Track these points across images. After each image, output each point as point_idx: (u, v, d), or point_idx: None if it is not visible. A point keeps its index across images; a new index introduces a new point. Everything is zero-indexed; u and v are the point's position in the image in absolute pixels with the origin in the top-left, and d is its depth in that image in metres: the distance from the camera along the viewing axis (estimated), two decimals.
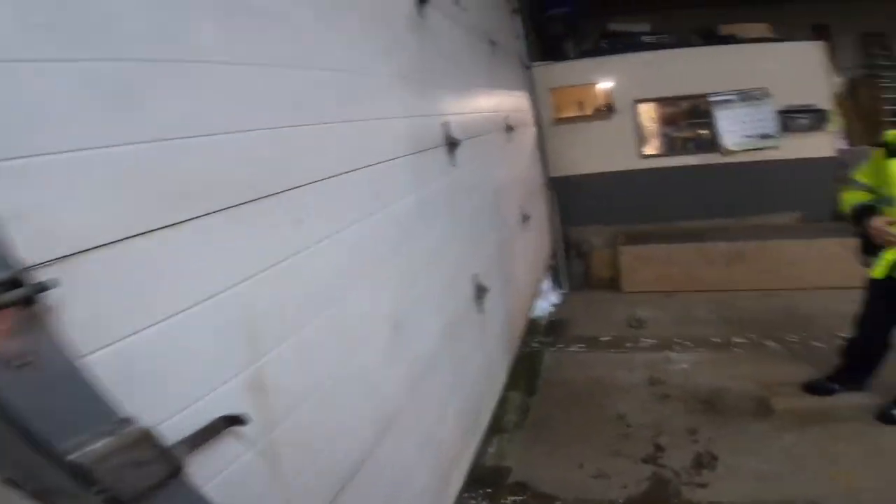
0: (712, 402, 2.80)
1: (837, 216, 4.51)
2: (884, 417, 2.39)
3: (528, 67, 4.35)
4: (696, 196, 4.76)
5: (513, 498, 2.24)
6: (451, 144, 2.18)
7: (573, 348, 3.72)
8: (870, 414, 2.45)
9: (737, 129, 4.59)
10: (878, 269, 2.31)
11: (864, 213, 2.33)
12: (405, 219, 1.71)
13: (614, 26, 5.19)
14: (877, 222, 2.25)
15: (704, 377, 3.07)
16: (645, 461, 2.39)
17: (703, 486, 2.18)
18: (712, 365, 3.21)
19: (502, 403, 2.84)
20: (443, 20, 2.29)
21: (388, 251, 1.57)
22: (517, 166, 3.62)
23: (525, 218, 3.49)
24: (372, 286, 1.46)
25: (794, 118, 4.50)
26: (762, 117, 4.53)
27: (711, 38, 5.02)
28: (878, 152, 2.34)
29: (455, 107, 2.37)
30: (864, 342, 2.57)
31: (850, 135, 5.25)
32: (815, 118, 4.49)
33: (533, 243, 3.86)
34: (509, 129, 3.34)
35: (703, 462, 2.33)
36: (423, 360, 1.78)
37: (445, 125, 2.17)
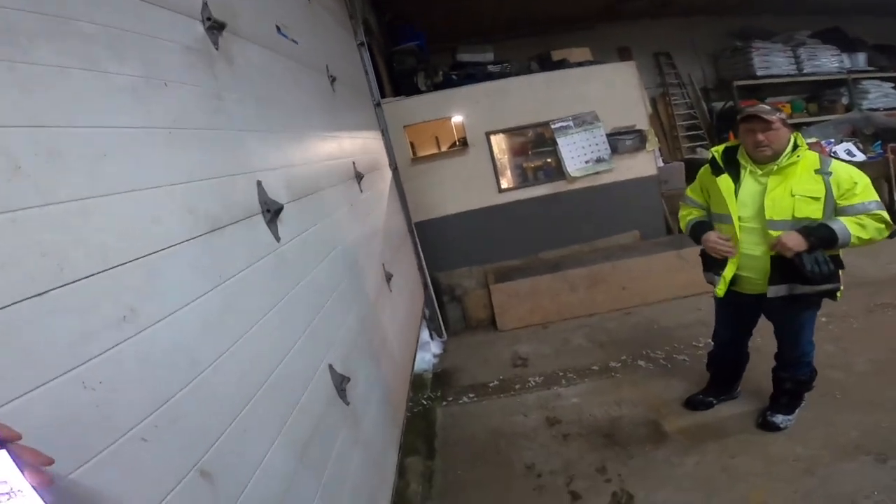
0: (611, 433, 2.75)
1: (669, 230, 5.16)
2: (765, 425, 2.53)
3: (378, 105, 4.12)
4: (552, 225, 4.95)
5: None
6: (271, 210, 1.54)
7: (464, 399, 3.45)
8: (752, 422, 2.59)
9: (577, 156, 4.87)
10: (720, 288, 2.38)
11: (700, 229, 2.41)
12: (190, 337, 1.06)
13: (462, 56, 5.30)
14: (710, 237, 2.35)
15: (596, 408, 3.03)
16: None
17: None
18: (599, 394, 3.21)
19: (402, 474, 2.41)
20: (258, 52, 1.76)
21: (146, 399, 0.90)
22: (373, 219, 3.18)
23: (389, 277, 3.13)
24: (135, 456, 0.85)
25: (621, 139, 4.90)
26: (597, 141, 4.87)
27: (547, 63, 5.38)
28: (705, 169, 2.43)
29: (276, 159, 1.74)
30: (723, 354, 2.74)
31: (662, 152, 6.06)
32: (637, 138, 4.93)
33: (404, 300, 3.48)
34: (359, 176, 2.94)
35: (623, 502, 2.18)
36: None
37: (260, 185, 1.53)
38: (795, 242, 2.09)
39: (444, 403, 3.43)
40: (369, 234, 2.98)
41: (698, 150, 7.08)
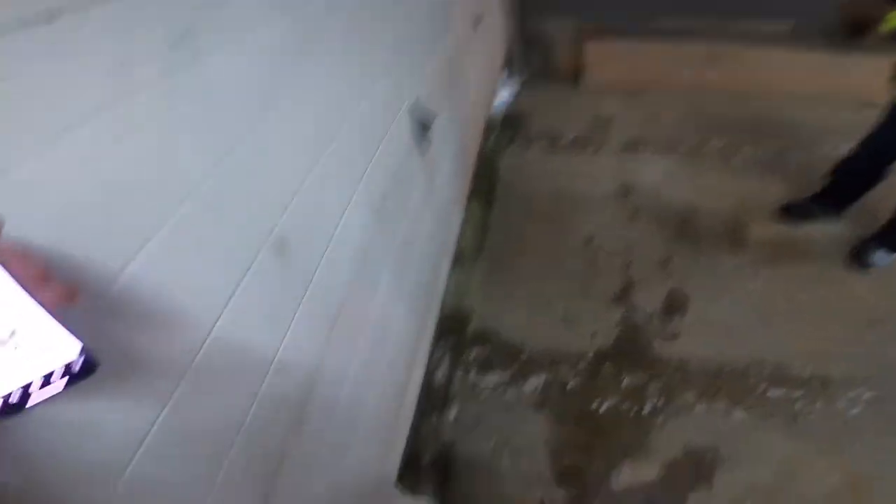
0: (685, 223, 2.52)
1: (831, 31, 3.79)
2: (858, 258, 2.25)
3: None
4: None
5: (477, 350, 1.96)
6: None
7: (533, 150, 3.16)
8: (843, 253, 2.31)
9: None
10: None
11: None
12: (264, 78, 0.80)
13: None
14: None
15: (676, 191, 2.74)
16: (615, 300, 2.15)
17: (674, 337, 2.01)
18: (684, 176, 2.86)
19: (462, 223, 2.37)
20: None
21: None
22: None
23: (478, 19, 2.40)
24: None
25: None
26: None
27: None
28: None
29: None
30: (862, 162, 2.28)
31: None
32: None
33: (487, 44, 2.80)
34: None
35: (675, 305, 2.13)
36: (336, 289, 1.06)
37: None
38: None
39: (511, 148, 3.15)
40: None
41: None
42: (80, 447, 0.50)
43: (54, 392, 0.33)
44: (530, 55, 3.88)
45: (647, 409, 1.76)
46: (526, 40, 3.80)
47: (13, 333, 0.32)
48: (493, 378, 1.86)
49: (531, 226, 2.56)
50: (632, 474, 1.61)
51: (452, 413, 1.76)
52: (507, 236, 2.50)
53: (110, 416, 0.53)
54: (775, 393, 1.80)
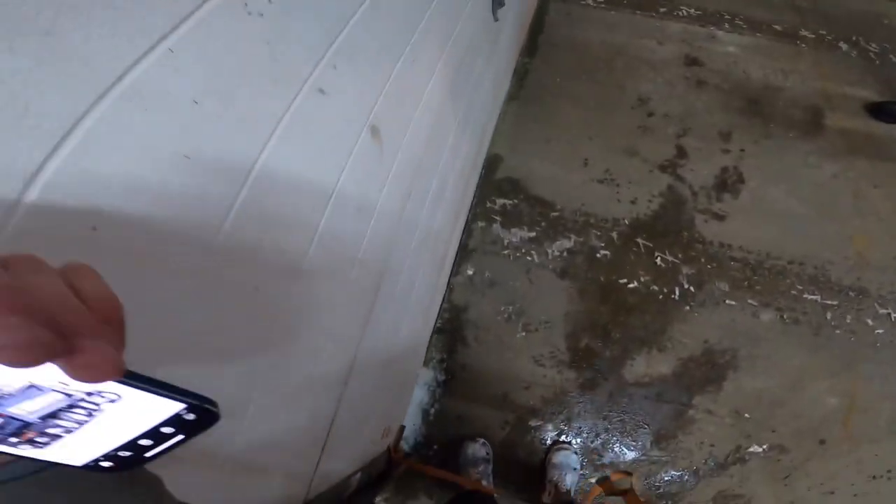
0: (758, 100, 2.17)
1: None
2: None
3: None
4: None
5: (502, 201, 1.71)
6: None
7: (588, 1, 2.68)
8: None
9: None
10: None
11: None
12: None
13: None
14: None
15: (755, 68, 2.34)
16: (662, 168, 1.86)
17: (720, 217, 1.75)
18: (767, 55, 2.44)
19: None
20: None
21: None
22: None
23: None
24: None
25: None
26: None
27: None
28: None
29: None
30: None
31: None
32: None
33: None
34: None
35: (728, 183, 1.85)
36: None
37: None
38: None
39: None
40: None
41: None
42: None
43: (172, 443, 0.27)
44: None
45: (676, 293, 1.56)
46: None
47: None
48: (517, 234, 1.65)
49: (579, 75, 2.21)
50: (646, 366, 1.47)
51: (469, 270, 1.55)
52: (550, 82, 2.16)
53: None
54: (809, 297, 1.62)
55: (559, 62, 2.28)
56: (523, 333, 1.49)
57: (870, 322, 1.60)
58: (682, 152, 1.92)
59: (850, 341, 1.56)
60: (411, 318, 1.20)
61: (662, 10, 2.69)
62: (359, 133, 0.73)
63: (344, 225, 0.74)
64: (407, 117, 0.92)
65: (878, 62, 2.48)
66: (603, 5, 2.69)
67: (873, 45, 2.59)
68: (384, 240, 0.92)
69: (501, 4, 1.35)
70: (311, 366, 0.77)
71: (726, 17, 2.67)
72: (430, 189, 1.12)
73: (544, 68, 2.24)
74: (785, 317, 1.59)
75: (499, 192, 1.73)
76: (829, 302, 1.63)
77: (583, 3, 2.70)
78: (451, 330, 1.47)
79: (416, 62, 0.89)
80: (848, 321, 1.60)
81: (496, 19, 1.42)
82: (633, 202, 1.75)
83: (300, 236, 0.63)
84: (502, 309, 1.52)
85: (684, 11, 2.69)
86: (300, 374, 0.74)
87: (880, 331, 1.59)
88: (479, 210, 1.68)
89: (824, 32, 2.63)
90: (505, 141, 1.88)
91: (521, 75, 2.17)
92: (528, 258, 1.61)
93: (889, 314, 1.61)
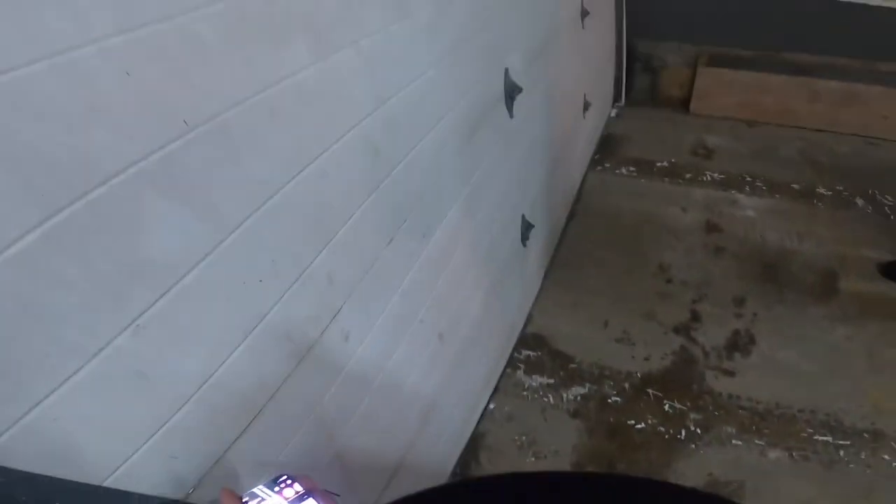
0: (774, 266, 2.47)
1: None
2: None
3: None
4: (815, 22, 3.34)
5: (528, 352, 2.14)
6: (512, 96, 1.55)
7: (622, 171, 3.22)
8: None
9: None
10: None
11: None
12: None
13: None
14: None
15: (772, 231, 2.67)
16: (676, 331, 2.21)
17: (729, 373, 2.03)
18: (784, 217, 2.77)
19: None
20: None
21: None
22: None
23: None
24: None
25: None
26: None
27: None
28: None
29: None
30: None
31: None
32: None
33: (594, 50, 2.91)
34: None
35: (739, 344, 2.14)
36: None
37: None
38: None
39: (600, 168, 3.23)
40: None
41: None
42: None
43: None
44: (637, 77, 3.89)
45: (682, 434, 1.83)
46: (634, 61, 3.81)
47: None
48: (538, 380, 2.04)
49: (608, 242, 2.66)
50: None
51: (491, 405, 1.96)
52: (581, 248, 2.62)
53: None
54: (820, 439, 1.79)
55: (592, 228, 2.76)
56: (533, 458, 1.79)
57: (886, 457, 1.71)
58: (696, 316, 2.26)
59: (865, 474, 1.67)
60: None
61: (688, 175, 3.16)
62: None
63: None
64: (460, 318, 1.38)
65: (892, 217, 2.72)
66: (635, 174, 3.21)
67: (888, 199, 2.84)
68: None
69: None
70: None
71: (748, 179, 3.07)
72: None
73: (579, 234, 2.71)
74: (794, 455, 1.73)
75: (525, 346, 2.14)
76: (841, 442, 1.76)
77: (617, 172, 3.25)
78: (465, 451, 1.77)
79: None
80: (863, 457, 1.71)
81: (524, 245, 1.97)
82: (646, 359, 2.09)
83: None
84: (516, 438, 1.83)
85: (708, 177, 3.13)
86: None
87: None
88: (508, 355, 2.10)
89: (841, 188, 2.94)
90: (537, 302, 2.34)
91: (558, 238, 2.66)
92: (545, 399, 1.96)
93: None
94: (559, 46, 2.16)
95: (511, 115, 1.66)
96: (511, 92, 1.61)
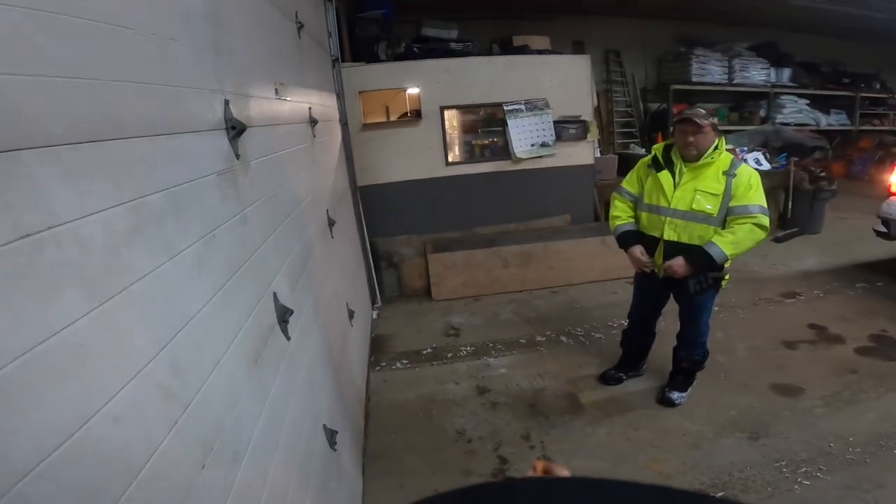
0: (535, 403, 3.02)
1: (597, 217, 5.52)
2: (663, 401, 2.92)
3: (336, 63, 3.98)
4: (491, 201, 5.14)
5: None
6: (236, 128, 1.49)
7: (397, 365, 3.60)
8: (653, 398, 2.97)
9: (524, 138, 5.04)
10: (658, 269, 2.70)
11: (627, 239, 2.75)
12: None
13: (427, 31, 5.24)
14: (635, 252, 2.71)
15: (522, 379, 3.30)
16: (494, 475, 2.40)
17: None
18: (525, 366, 3.48)
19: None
20: None
21: None
22: (322, 164, 3.11)
23: (332, 224, 3.06)
24: None
25: (566, 128, 5.14)
26: (544, 127, 5.06)
27: (508, 47, 5.51)
28: (642, 163, 2.73)
29: (242, 85, 1.66)
30: (635, 331, 3.09)
31: (599, 144, 6.37)
32: (581, 128, 5.19)
33: (345, 260, 3.47)
34: (314, 122, 2.84)
35: (544, 470, 2.45)
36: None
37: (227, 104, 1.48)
38: (682, 268, 2.54)
39: (378, 368, 3.55)
40: (318, 176, 2.91)
41: (631, 146, 7.50)
42: None
43: None
44: (384, 274, 4.64)
45: None
46: (379, 259, 4.59)
47: None
48: None
49: (407, 430, 2.83)
50: None
51: None
52: (387, 443, 2.72)
53: None
54: None
55: (389, 422, 2.91)
56: None
57: None
58: (503, 460, 2.53)
59: None
60: None
61: (450, 355, 3.73)
62: None
63: None
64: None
65: (587, 342, 3.74)
66: (408, 365, 3.61)
67: (578, 329, 3.93)
68: None
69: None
70: None
71: (490, 345, 3.81)
72: None
73: (379, 429, 2.83)
74: None
75: None
76: None
77: (393, 368, 3.59)
78: None
79: None
80: None
81: (334, 450, 1.98)
82: None
83: None
84: None
85: (463, 351, 3.76)
86: None
87: None
88: None
89: (549, 333, 3.92)
90: (365, 496, 2.27)
91: (363, 436, 2.69)
92: None
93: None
94: (316, 261, 2.44)
95: (288, 338, 1.73)
96: (283, 315, 1.69)
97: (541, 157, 5.13)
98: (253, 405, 1.36)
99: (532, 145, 5.09)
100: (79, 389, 0.70)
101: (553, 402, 3.03)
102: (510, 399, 3.09)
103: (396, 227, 4.82)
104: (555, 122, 5.09)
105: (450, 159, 4.99)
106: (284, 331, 1.71)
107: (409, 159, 4.82)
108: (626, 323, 3.16)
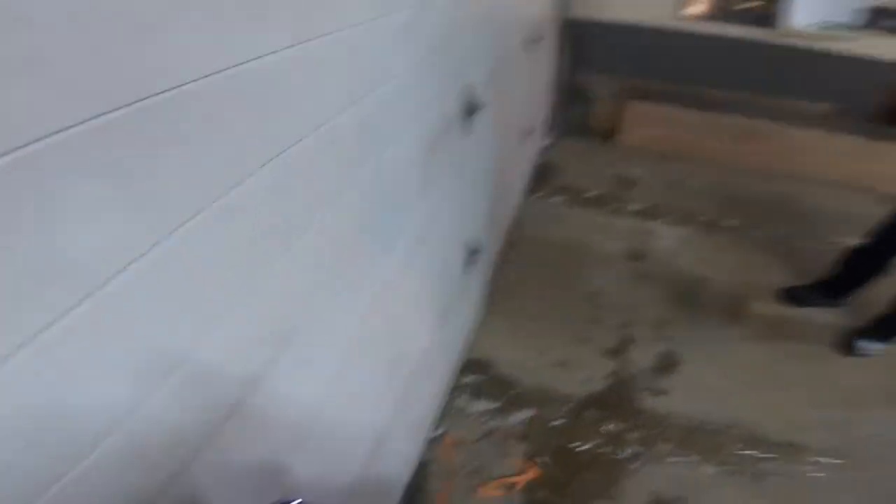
0: (690, 292, 2.65)
1: (870, 118, 3.91)
2: (846, 347, 2.35)
3: None
4: (731, 67, 3.81)
5: (472, 377, 2.11)
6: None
7: (554, 199, 3.35)
8: (834, 336, 2.42)
9: (816, 10, 3.43)
10: None
11: None
12: None
13: None
14: None
15: (686, 260, 2.88)
16: (610, 354, 2.28)
17: (660, 393, 2.12)
18: (696, 247, 3.00)
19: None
20: None
21: None
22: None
23: (535, 40, 2.59)
24: None
25: (884, 18, 3.36)
26: (853, 6, 3.40)
27: None
28: None
29: None
30: (869, 256, 2.38)
31: None
32: None
33: (535, 77, 3.00)
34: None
35: (666, 365, 2.24)
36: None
37: None
38: None
39: (535, 196, 3.35)
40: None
41: None
42: None
43: None
44: (570, 108, 4.11)
45: (623, 454, 1.87)
46: (568, 92, 4.03)
47: None
48: (481, 405, 2.00)
49: (541, 271, 2.72)
50: None
51: (439, 430, 1.89)
52: (516, 277, 2.66)
53: None
54: (746, 453, 1.91)
55: (527, 256, 2.82)
56: (481, 490, 1.76)
57: (806, 469, 1.88)
58: (627, 339, 2.35)
59: (790, 485, 1.81)
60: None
61: (614, 206, 3.35)
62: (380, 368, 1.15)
63: None
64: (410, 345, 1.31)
65: (786, 247, 3.03)
66: (567, 203, 3.35)
67: (784, 231, 3.18)
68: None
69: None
70: None
71: (664, 210, 3.31)
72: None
73: (515, 264, 2.76)
74: (725, 469, 1.85)
75: (469, 371, 2.13)
76: (764, 455, 1.91)
77: (551, 200, 3.37)
78: (413, 478, 1.70)
79: None
80: (785, 469, 1.87)
81: (469, 272, 1.93)
82: (583, 382, 2.13)
83: None
84: (463, 464, 1.80)
85: (631, 207, 3.33)
86: None
87: (818, 474, 1.85)
88: (452, 385, 2.05)
89: (743, 221, 3.24)
90: (480, 328, 2.33)
91: (497, 267, 2.67)
92: (490, 424, 1.94)
93: (824, 461, 1.89)
94: (513, 68, 2.19)
95: (467, 134, 1.62)
96: (471, 109, 1.56)
97: (829, 38, 3.50)
98: (416, 198, 1.30)
99: (825, 21, 3.45)
100: (264, 126, 0.66)
101: (712, 298, 2.62)
102: (662, 277, 2.74)
103: (599, 66, 3.95)
104: (872, 9, 3.32)
105: (689, 11, 3.64)
106: (467, 125, 1.60)
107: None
108: (855, 243, 2.42)
